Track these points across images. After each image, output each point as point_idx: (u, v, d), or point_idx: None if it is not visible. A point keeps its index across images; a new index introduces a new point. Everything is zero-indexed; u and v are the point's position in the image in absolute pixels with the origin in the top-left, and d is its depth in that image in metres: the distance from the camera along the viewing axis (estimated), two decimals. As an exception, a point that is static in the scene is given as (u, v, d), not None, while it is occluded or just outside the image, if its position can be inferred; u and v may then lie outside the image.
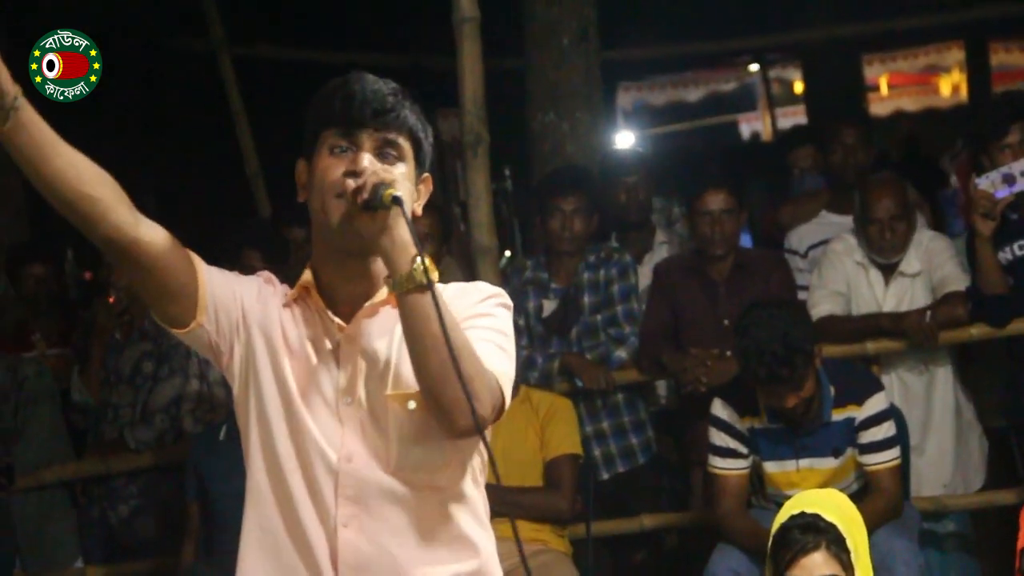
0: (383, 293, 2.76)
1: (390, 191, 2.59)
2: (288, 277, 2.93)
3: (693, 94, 18.57)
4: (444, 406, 2.61)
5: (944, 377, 6.20)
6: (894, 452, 5.46)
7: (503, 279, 6.45)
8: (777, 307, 5.46)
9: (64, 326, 7.09)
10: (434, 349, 2.57)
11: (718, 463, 5.53)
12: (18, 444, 6.25)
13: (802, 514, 3.74)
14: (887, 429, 5.45)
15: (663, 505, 6.53)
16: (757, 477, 5.55)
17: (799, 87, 16.40)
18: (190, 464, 6.03)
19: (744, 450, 5.49)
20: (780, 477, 5.47)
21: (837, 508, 3.79)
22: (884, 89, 18.30)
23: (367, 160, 2.69)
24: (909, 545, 5.36)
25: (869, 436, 5.43)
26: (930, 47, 17.64)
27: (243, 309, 2.82)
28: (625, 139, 13.49)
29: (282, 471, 2.80)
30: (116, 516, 6.38)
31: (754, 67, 17.32)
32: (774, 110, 16.47)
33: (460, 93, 5.83)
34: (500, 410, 2.71)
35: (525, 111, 7.60)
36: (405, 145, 2.74)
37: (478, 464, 2.85)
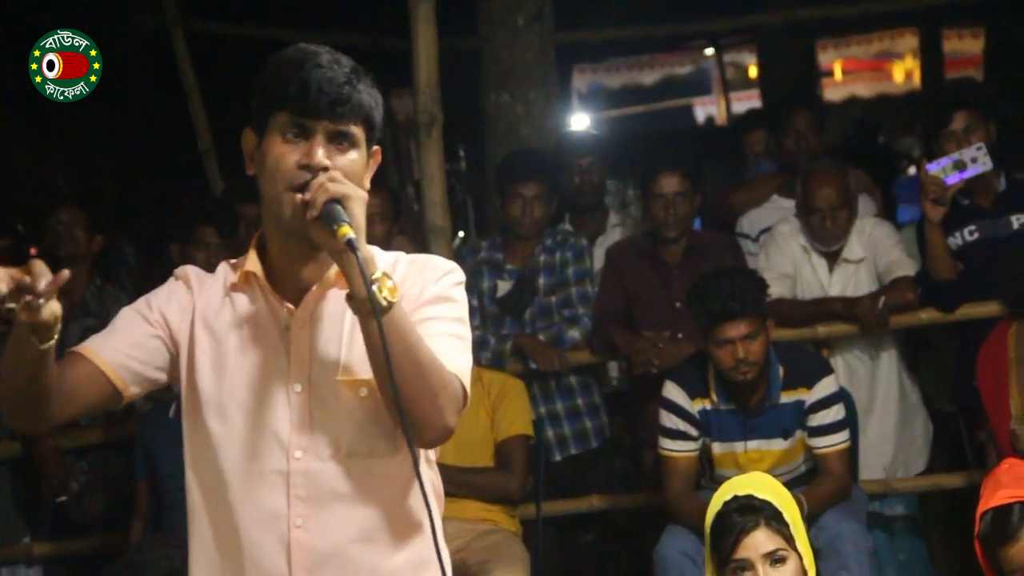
0: (333, 275, 2.74)
1: (344, 230, 2.55)
2: (238, 252, 2.90)
3: (648, 77, 18.60)
4: (411, 421, 2.59)
5: (888, 361, 6.24)
6: (843, 435, 5.50)
7: (457, 259, 6.45)
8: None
9: None
10: (397, 368, 2.55)
11: (668, 445, 5.55)
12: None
13: (735, 497, 3.75)
14: (836, 412, 5.49)
15: (614, 486, 6.56)
16: (707, 459, 5.58)
17: (753, 72, 16.47)
18: (139, 442, 6.02)
19: (694, 432, 5.52)
20: (728, 458, 5.50)
21: (767, 486, 3.81)
22: (838, 74, 18.37)
23: (320, 154, 2.65)
24: (857, 527, 5.40)
25: (818, 419, 5.47)
26: (884, 33, 17.72)
27: (173, 337, 2.80)
28: (580, 121, 13.48)
29: (224, 486, 2.77)
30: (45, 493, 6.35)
31: (709, 51, 17.38)
32: (729, 94, 16.54)
33: (414, 73, 5.82)
34: (464, 406, 2.70)
35: (479, 91, 7.59)
36: (358, 132, 2.71)
37: None
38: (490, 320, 6.39)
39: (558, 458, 6.34)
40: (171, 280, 2.88)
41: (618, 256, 6.43)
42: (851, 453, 5.64)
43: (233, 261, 2.87)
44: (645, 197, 6.33)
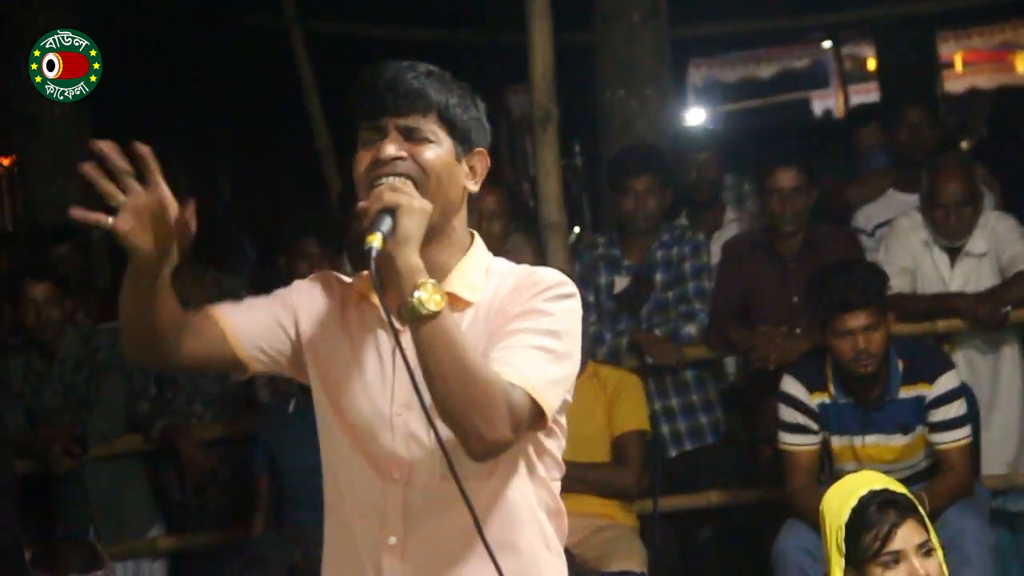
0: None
1: (371, 238, 2.52)
2: (348, 257, 2.88)
3: (765, 71, 18.45)
4: (457, 432, 2.55)
5: (1011, 356, 6.18)
6: (965, 431, 5.44)
7: (572, 255, 6.46)
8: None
9: (105, 302, 7.13)
10: (440, 378, 2.50)
11: (789, 439, 5.52)
12: (91, 414, 6.32)
13: (872, 492, 3.71)
14: (958, 408, 5.43)
15: (731, 482, 6.53)
16: (826, 453, 5.54)
17: (872, 64, 16.26)
18: (260, 437, 6.09)
19: (814, 426, 5.48)
20: (847, 452, 5.46)
21: (892, 481, 3.79)
22: (959, 66, 18.12)
23: (391, 149, 2.64)
24: (980, 523, 5.36)
25: (940, 415, 5.41)
26: (1006, 24, 17.46)
27: (299, 329, 2.80)
28: (696, 116, 13.44)
29: (338, 485, 2.80)
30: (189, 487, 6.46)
31: (827, 44, 17.20)
32: (847, 87, 16.35)
33: (530, 69, 5.84)
34: (538, 421, 2.63)
35: (595, 87, 7.58)
36: (433, 127, 2.68)
37: (536, 458, 2.77)
38: (607, 316, 6.38)
39: (673, 454, 6.32)
40: (313, 286, 2.86)
41: (735, 251, 6.40)
42: (973, 449, 5.57)
43: (364, 274, 2.79)
44: (761, 192, 6.30)
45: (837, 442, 5.47)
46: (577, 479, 5.55)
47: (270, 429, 6.01)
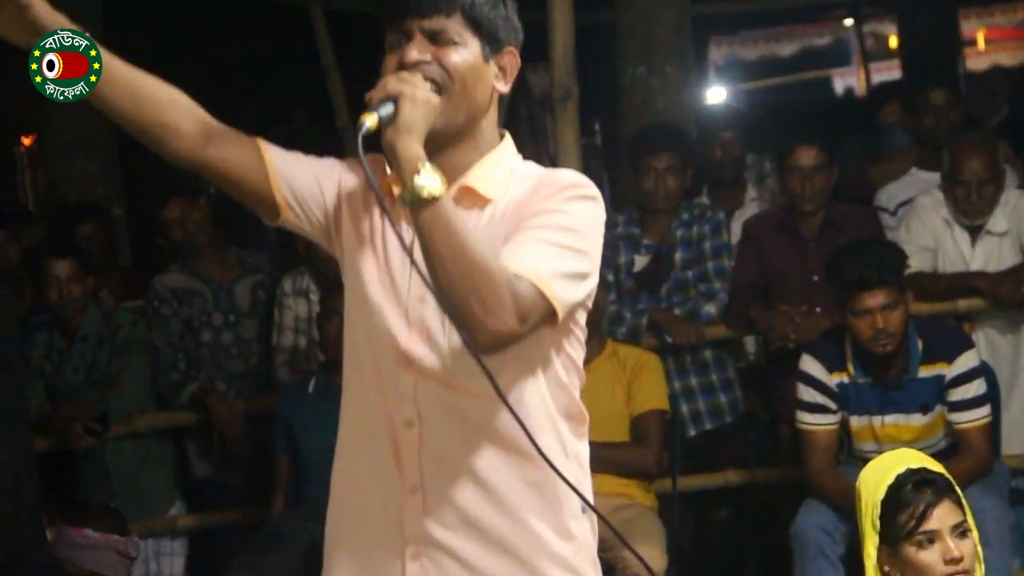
0: (454, 190, 2.65)
1: (363, 116, 2.49)
2: None
3: (786, 49, 18.40)
4: (460, 322, 2.50)
5: (1032, 335, 6.16)
6: (984, 410, 5.44)
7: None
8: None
9: (128, 280, 7.15)
10: (440, 265, 2.46)
11: (807, 419, 5.52)
12: (112, 391, 6.33)
13: (910, 471, 3.70)
14: (977, 387, 5.43)
15: (750, 462, 6.53)
16: (844, 433, 5.54)
17: (894, 42, 16.20)
18: (280, 417, 6.09)
19: (833, 405, 5.48)
20: (866, 432, 5.45)
21: (929, 460, 3.78)
22: (981, 44, 18.06)
23: (415, 52, 2.61)
24: (999, 503, 5.36)
25: (959, 394, 5.41)
26: (1029, 1, 17.41)
27: (338, 197, 2.76)
28: (717, 94, 13.40)
29: (359, 365, 2.75)
30: (207, 466, 6.48)
31: (848, 21, 17.15)
32: (868, 65, 16.31)
33: (550, 47, 5.82)
34: (549, 316, 2.56)
35: (615, 65, 7.57)
36: (459, 28, 2.65)
37: (556, 358, 2.72)
38: (626, 295, 6.38)
39: (692, 433, 6.32)
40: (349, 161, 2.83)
41: (755, 229, 6.39)
42: (993, 428, 5.57)
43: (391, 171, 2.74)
44: (782, 170, 6.29)
45: (856, 422, 5.47)
46: (596, 458, 5.51)
47: (290, 408, 6.02)
